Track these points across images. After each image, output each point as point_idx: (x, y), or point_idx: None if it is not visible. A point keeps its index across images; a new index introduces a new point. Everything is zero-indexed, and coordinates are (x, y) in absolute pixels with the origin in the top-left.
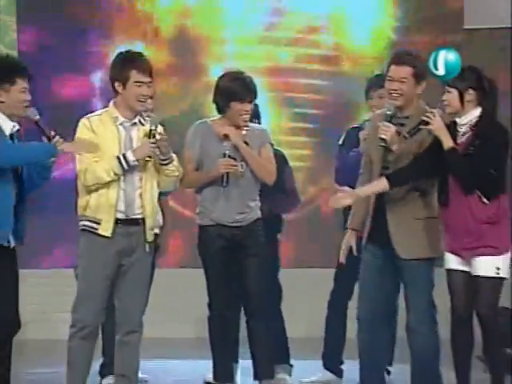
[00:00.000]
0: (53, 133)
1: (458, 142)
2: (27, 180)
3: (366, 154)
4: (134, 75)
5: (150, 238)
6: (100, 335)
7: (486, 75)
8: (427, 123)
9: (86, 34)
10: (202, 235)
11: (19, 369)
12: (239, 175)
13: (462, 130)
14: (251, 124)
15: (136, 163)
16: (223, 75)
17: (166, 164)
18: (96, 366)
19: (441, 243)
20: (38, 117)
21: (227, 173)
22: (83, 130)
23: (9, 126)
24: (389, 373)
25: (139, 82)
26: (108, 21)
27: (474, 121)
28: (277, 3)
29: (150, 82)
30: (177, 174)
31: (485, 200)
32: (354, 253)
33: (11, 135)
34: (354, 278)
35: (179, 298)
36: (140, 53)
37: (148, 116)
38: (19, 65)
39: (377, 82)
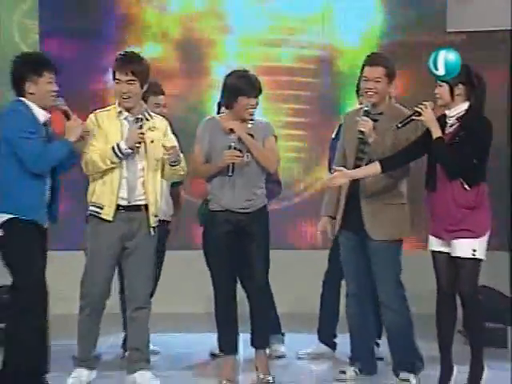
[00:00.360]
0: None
1: (446, 132)
2: (58, 165)
3: (341, 148)
4: (116, 74)
5: (153, 223)
6: (121, 312)
7: (475, 72)
8: (420, 114)
9: (102, 36)
10: (210, 219)
11: None
12: (244, 165)
13: (450, 121)
14: (256, 118)
15: (129, 151)
16: (230, 73)
17: (175, 165)
18: (119, 340)
19: (408, 227)
20: (65, 107)
21: (233, 163)
22: (89, 125)
23: (42, 115)
24: (378, 345)
25: (117, 79)
26: (122, 24)
27: (462, 113)
28: (273, 8)
29: (131, 81)
30: (182, 173)
31: (466, 186)
32: (330, 236)
33: (45, 123)
34: None
35: (190, 277)
36: (127, 53)
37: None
38: (45, 58)
39: None
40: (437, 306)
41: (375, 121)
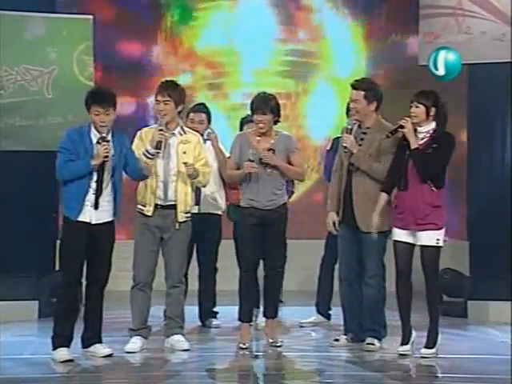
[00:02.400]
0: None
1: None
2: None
3: (339, 159)
4: (157, 96)
5: (180, 219)
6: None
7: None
8: (403, 127)
9: (145, 68)
10: (240, 213)
11: None
12: (268, 174)
13: (420, 135)
14: (280, 131)
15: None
16: (256, 95)
17: (192, 179)
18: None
19: (388, 220)
20: (104, 134)
21: (250, 172)
22: (136, 138)
23: (96, 137)
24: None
25: (157, 100)
26: (161, 58)
27: (432, 130)
28: (278, 46)
29: (167, 101)
30: (202, 184)
31: (434, 188)
32: (337, 227)
33: (98, 142)
34: None
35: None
36: (167, 80)
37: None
38: (94, 95)
39: None
40: (396, 285)
41: (364, 133)
